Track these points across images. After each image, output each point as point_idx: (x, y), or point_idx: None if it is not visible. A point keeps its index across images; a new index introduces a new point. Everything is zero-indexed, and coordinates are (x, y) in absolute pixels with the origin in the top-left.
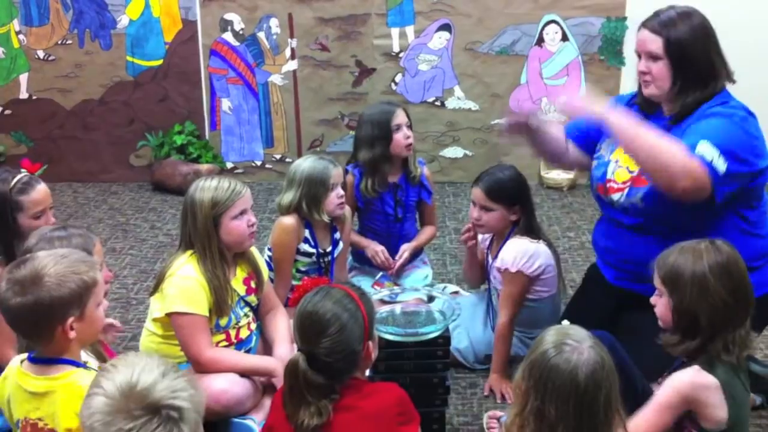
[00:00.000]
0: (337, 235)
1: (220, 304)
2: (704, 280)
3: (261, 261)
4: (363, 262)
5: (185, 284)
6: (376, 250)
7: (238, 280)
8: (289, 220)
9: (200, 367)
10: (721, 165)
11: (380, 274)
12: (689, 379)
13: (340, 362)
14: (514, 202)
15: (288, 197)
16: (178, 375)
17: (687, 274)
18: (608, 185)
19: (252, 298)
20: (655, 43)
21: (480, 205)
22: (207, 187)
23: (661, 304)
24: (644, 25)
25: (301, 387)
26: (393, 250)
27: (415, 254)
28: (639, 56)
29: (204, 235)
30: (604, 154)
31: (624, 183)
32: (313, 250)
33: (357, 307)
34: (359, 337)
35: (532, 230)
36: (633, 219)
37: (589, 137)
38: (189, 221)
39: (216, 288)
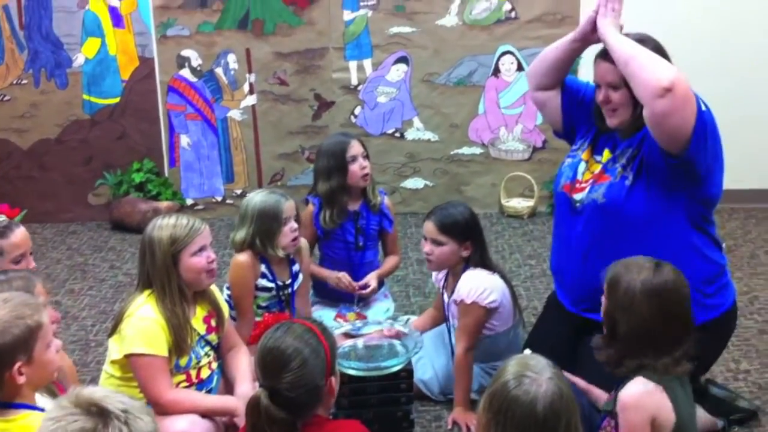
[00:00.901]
0: (296, 267)
1: (179, 343)
2: (633, 294)
3: (221, 299)
4: (324, 295)
5: (144, 325)
6: (338, 276)
7: (198, 319)
8: (244, 257)
9: (160, 408)
10: (702, 106)
11: (342, 306)
12: (640, 389)
13: (302, 397)
14: (466, 238)
15: (241, 234)
16: (137, 403)
17: (622, 284)
18: (575, 184)
19: (213, 337)
20: (614, 73)
21: (431, 239)
22: (165, 225)
23: (602, 306)
24: (602, 57)
25: (264, 424)
26: (355, 279)
27: (378, 285)
28: (598, 87)
29: (163, 272)
30: (579, 152)
31: (586, 182)
32: (272, 285)
33: (319, 341)
34: (321, 371)
35: (485, 265)
36: (584, 242)
37: (578, 105)
38: (147, 260)
39: (175, 327)
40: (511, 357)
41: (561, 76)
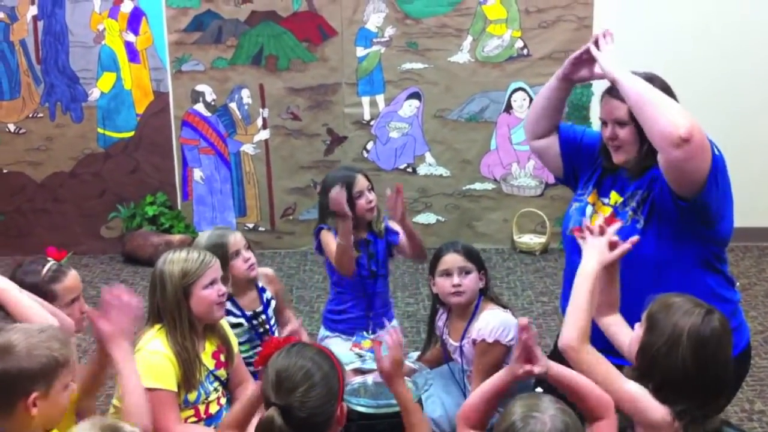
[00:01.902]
0: (267, 294)
1: (189, 378)
2: (678, 338)
3: (230, 334)
4: (335, 329)
5: (153, 359)
6: (337, 192)
7: (207, 354)
8: None
9: None
10: (715, 150)
11: (356, 335)
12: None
13: (314, 418)
14: (481, 267)
15: None
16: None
17: (667, 323)
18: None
19: (222, 372)
20: (621, 110)
21: (459, 268)
22: (176, 259)
23: (636, 335)
24: (609, 93)
25: None
26: (370, 309)
27: (388, 319)
28: (605, 123)
29: (174, 306)
30: (584, 197)
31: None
32: (241, 319)
33: (332, 365)
34: (334, 396)
35: (497, 299)
36: None
37: (577, 149)
38: (158, 293)
39: (185, 361)
40: (517, 397)
41: (554, 122)
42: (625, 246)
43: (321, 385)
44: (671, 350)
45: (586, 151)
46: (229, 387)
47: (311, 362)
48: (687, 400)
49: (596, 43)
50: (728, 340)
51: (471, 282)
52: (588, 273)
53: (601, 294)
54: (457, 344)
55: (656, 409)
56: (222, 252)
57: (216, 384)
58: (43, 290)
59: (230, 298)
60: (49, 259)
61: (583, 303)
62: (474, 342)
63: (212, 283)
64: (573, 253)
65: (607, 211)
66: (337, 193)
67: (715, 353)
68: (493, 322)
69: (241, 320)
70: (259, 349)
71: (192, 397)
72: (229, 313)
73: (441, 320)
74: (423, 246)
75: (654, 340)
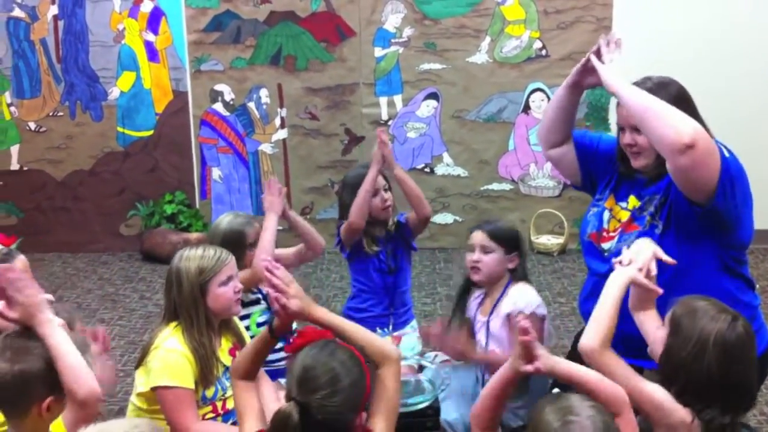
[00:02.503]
0: None
1: (206, 375)
2: (704, 344)
3: (244, 331)
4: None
5: (170, 357)
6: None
7: (223, 351)
8: None
9: None
10: (726, 152)
11: (377, 329)
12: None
13: (333, 423)
14: (512, 249)
15: None
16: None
17: (693, 331)
18: (602, 234)
19: None
20: None
21: (480, 246)
22: (192, 256)
23: (659, 337)
24: None
25: None
26: (391, 305)
27: (406, 320)
28: (622, 129)
29: (191, 303)
30: (602, 202)
31: (615, 230)
32: (257, 295)
33: (362, 372)
34: (356, 404)
35: (528, 281)
36: None
37: (593, 156)
38: (174, 291)
39: (202, 357)
40: (540, 403)
41: (568, 129)
42: (652, 285)
43: (345, 392)
44: (697, 356)
45: (603, 156)
46: None
47: (341, 366)
48: (710, 403)
49: (598, 52)
50: (752, 346)
51: (490, 261)
52: (619, 283)
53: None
54: (485, 319)
55: (677, 411)
56: (240, 240)
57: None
58: None
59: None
60: None
61: (610, 310)
62: (509, 317)
63: (228, 279)
64: (591, 258)
65: (625, 215)
66: (381, 131)
67: (739, 359)
68: (527, 296)
69: (258, 296)
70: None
71: (209, 393)
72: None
73: (477, 300)
74: (420, 195)
75: (679, 345)
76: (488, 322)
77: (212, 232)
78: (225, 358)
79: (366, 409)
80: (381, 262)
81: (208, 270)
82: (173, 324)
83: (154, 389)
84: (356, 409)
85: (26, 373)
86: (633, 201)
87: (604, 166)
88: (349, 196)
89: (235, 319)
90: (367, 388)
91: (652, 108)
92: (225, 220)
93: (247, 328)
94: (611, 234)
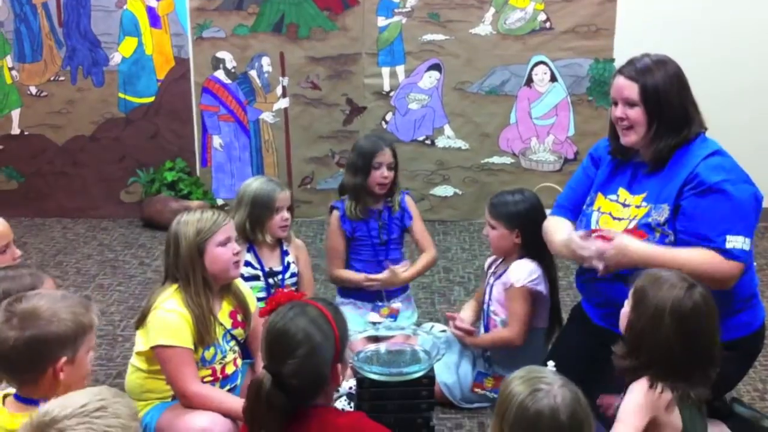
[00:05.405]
0: (290, 258)
1: (202, 334)
2: (661, 313)
3: (249, 295)
4: (348, 295)
5: (169, 317)
6: (367, 277)
7: (224, 313)
8: None
9: (186, 400)
10: (748, 244)
11: (374, 305)
12: (643, 386)
13: (306, 384)
14: (514, 226)
15: (237, 218)
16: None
17: (651, 300)
18: (594, 234)
19: (239, 332)
20: (632, 90)
21: (487, 222)
22: (190, 220)
23: (624, 311)
24: (620, 72)
25: (263, 407)
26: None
27: (402, 290)
28: (615, 103)
29: (188, 263)
30: (589, 207)
31: (608, 230)
32: (258, 271)
33: (330, 327)
34: (329, 359)
35: (537, 255)
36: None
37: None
38: (172, 252)
39: (198, 317)
40: (511, 377)
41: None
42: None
43: (314, 354)
44: (656, 325)
45: (584, 188)
46: (250, 350)
47: (308, 327)
48: (673, 373)
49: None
50: (712, 313)
51: (494, 236)
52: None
53: None
54: (492, 282)
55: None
56: (269, 203)
57: (233, 343)
58: None
59: (253, 249)
60: None
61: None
62: (504, 286)
63: (226, 241)
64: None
65: (616, 207)
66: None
67: (697, 327)
68: (519, 271)
69: (258, 272)
70: None
71: (209, 355)
72: (247, 263)
73: (495, 264)
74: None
75: (639, 316)
76: (492, 286)
77: (242, 191)
78: (225, 320)
79: (340, 360)
80: (373, 236)
81: (206, 230)
82: (174, 286)
83: (153, 348)
84: (329, 363)
85: (37, 337)
86: (623, 193)
87: (586, 188)
88: (351, 159)
89: (239, 283)
90: (337, 340)
91: (674, 261)
92: (256, 182)
93: None
94: (605, 234)
